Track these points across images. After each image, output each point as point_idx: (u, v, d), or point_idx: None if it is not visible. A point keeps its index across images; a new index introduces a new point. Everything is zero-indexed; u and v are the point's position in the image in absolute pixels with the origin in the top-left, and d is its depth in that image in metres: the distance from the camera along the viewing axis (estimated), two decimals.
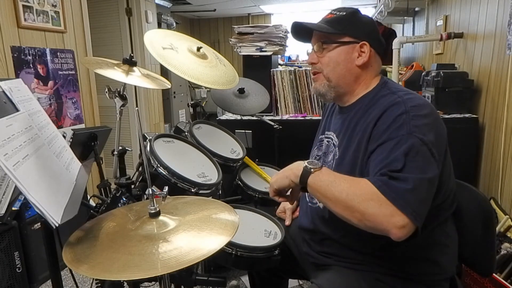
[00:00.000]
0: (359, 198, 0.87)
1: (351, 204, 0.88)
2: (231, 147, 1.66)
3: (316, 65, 1.15)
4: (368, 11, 5.60)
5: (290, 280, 1.58)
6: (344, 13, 1.13)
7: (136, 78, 1.30)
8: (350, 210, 0.89)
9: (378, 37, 1.14)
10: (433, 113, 0.99)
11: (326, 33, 1.11)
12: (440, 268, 1.04)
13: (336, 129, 1.17)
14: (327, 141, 1.20)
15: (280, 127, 2.05)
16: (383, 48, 1.15)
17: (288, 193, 1.18)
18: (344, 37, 1.10)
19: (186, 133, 1.56)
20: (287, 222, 1.38)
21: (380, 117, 0.99)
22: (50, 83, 2.54)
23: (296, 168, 1.00)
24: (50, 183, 0.86)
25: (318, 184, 0.95)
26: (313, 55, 1.15)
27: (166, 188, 0.95)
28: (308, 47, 1.22)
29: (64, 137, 1.17)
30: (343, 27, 1.10)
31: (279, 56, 3.43)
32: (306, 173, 0.97)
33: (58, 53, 2.60)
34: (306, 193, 1.24)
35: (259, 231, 1.27)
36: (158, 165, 1.22)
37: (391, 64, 2.74)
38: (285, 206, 1.44)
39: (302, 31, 1.18)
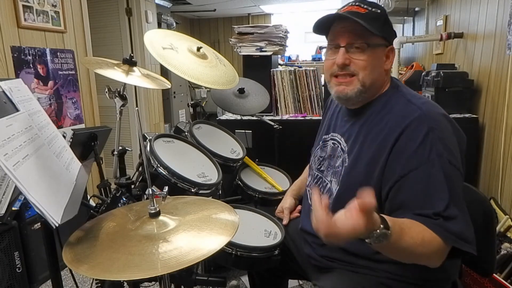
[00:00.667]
0: (427, 252, 0.85)
1: (419, 259, 0.88)
2: (231, 147, 1.66)
3: (349, 67, 1.02)
4: None
5: (290, 280, 1.58)
6: (379, 11, 1.02)
7: (136, 78, 1.30)
8: (415, 260, 0.89)
9: None
10: (452, 122, 0.98)
11: (368, 32, 0.99)
12: (445, 273, 1.03)
13: (344, 132, 1.12)
14: (333, 143, 1.15)
15: (280, 127, 2.05)
16: None
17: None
18: (380, 38, 1.02)
19: (186, 133, 1.56)
20: (285, 222, 1.36)
21: (402, 133, 0.94)
22: (50, 83, 2.54)
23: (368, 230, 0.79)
24: (50, 183, 0.86)
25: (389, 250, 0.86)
26: (346, 56, 1.01)
27: (166, 188, 0.95)
28: (318, 42, 1.15)
29: (64, 137, 1.17)
30: (380, 27, 1.00)
31: (279, 56, 3.43)
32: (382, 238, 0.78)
33: (58, 53, 2.60)
34: (308, 195, 1.23)
35: (259, 231, 1.27)
36: (158, 165, 1.23)
37: None
38: (283, 206, 1.43)
39: (324, 24, 1.06)
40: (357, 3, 1.03)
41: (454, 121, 0.99)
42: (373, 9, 1.02)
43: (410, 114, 0.96)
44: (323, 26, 1.06)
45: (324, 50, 1.12)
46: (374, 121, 1.03)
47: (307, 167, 1.46)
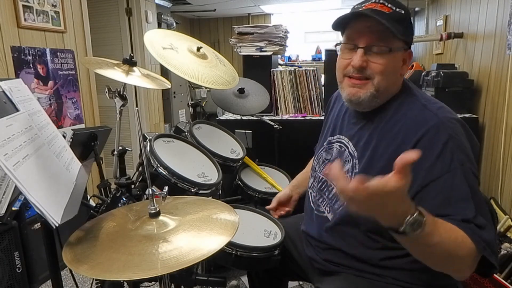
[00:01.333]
0: (460, 253, 0.79)
1: (451, 262, 0.82)
2: (231, 147, 1.66)
3: (365, 70, 0.96)
4: None
5: (290, 281, 1.58)
6: (403, 12, 0.95)
7: (136, 78, 1.30)
8: (447, 263, 0.82)
9: None
10: (466, 127, 0.95)
11: (391, 35, 0.92)
12: (451, 279, 0.99)
13: (352, 136, 1.06)
14: (339, 146, 1.10)
15: (280, 127, 2.05)
16: None
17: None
18: (401, 42, 0.95)
19: (186, 133, 1.56)
20: (271, 208, 1.36)
21: (419, 141, 0.90)
22: (50, 83, 2.54)
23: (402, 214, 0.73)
24: (50, 183, 0.86)
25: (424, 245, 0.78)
26: (364, 58, 0.95)
27: (166, 188, 0.95)
28: (328, 38, 1.07)
29: (64, 137, 1.17)
30: (403, 30, 0.93)
31: (279, 56, 3.43)
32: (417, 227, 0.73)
33: (58, 53, 2.60)
34: (311, 198, 1.20)
35: (259, 231, 1.27)
36: (158, 165, 1.22)
37: None
38: (276, 199, 1.41)
39: (344, 21, 0.98)
40: (381, 1, 0.94)
41: (467, 127, 0.96)
42: (398, 9, 0.94)
43: (426, 121, 0.92)
44: (342, 22, 0.99)
45: (338, 47, 1.03)
46: (386, 127, 0.98)
47: (311, 161, 1.41)
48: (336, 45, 1.04)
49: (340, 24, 1.00)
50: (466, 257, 0.80)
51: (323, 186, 1.14)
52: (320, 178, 1.17)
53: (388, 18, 0.91)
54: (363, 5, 0.97)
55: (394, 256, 0.98)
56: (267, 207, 1.43)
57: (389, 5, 0.94)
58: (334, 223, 1.06)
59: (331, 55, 2.37)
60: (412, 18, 3.83)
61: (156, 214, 0.88)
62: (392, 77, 0.98)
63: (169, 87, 1.47)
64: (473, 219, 0.82)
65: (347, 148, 1.07)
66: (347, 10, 0.99)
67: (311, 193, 1.21)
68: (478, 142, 0.97)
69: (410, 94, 1.01)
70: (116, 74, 1.25)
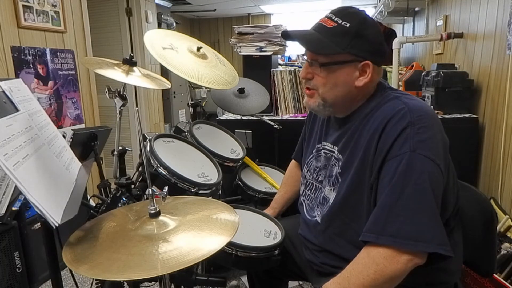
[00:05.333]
0: (392, 274, 0.86)
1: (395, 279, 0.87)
2: (231, 147, 1.66)
3: (311, 81, 1.03)
4: (368, 11, 5.58)
5: (290, 281, 1.58)
6: (349, 25, 0.96)
7: (136, 78, 1.30)
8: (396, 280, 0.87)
9: (383, 49, 1.01)
10: (438, 122, 0.95)
11: (329, 50, 0.96)
12: (449, 276, 1.02)
13: (335, 141, 1.09)
14: (325, 152, 1.13)
15: (280, 127, 2.05)
16: (387, 55, 1.09)
17: None
18: (346, 55, 0.97)
19: (186, 133, 1.56)
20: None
21: (384, 128, 0.92)
22: (50, 83, 2.54)
23: None
24: (50, 183, 0.86)
25: None
26: (308, 69, 1.02)
27: (166, 188, 0.95)
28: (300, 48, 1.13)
29: (64, 137, 1.17)
30: (346, 43, 0.95)
31: (279, 56, 3.42)
32: None
33: (58, 53, 2.60)
34: (304, 205, 1.21)
35: (259, 231, 1.27)
36: (158, 165, 1.22)
37: (391, 64, 2.74)
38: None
39: (291, 38, 1.05)
40: (329, 15, 0.99)
41: (439, 121, 0.96)
42: (343, 23, 0.96)
43: (394, 108, 0.94)
44: (293, 39, 1.06)
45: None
46: (360, 125, 1.01)
47: (289, 169, 1.50)
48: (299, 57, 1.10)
49: (292, 39, 1.06)
50: (403, 267, 0.85)
51: (318, 193, 1.15)
52: (312, 184, 1.18)
53: (328, 34, 0.96)
54: (320, 19, 1.02)
55: None
56: None
57: (335, 19, 0.97)
58: (324, 226, 1.08)
59: None
60: (412, 18, 3.84)
61: (156, 214, 0.88)
62: (339, 89, 1.00)
63: (169, 87, 1.47)
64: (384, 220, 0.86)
65: (333, 153, 1.09)
66: None
67: (304, 200, 1.23)
68: (448, 140, 0.96)
69: (383, 93, 1.03)
70: (116, 74, 1.25)
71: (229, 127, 1.81)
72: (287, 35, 1.05)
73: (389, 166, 0.89)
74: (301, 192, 1.25)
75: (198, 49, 1.53)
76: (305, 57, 1.06)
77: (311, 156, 1.21)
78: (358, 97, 1.03)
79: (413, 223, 0.84)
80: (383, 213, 0.88)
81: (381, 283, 0.85)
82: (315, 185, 1.17)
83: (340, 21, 0.97)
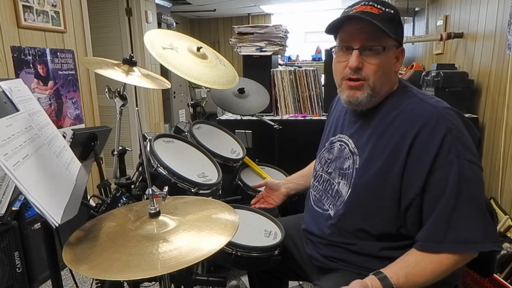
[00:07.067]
0: (443, 273, 0.92)
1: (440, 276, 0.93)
2: (231, 147, 1.66)
3: (361, 71, 0.99)
4: None
5: (290, 281, 1.58)
6: (393, 11, 0.98)
7: (136, 78, 1.30)
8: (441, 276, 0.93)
9: None
10: (465, 119, 0.97)
11: (384, 35, 0.95)
12: (449, 276, 1.00)
13: (352, 134, 1.09)
14: (340, 144, 1.13)
15: (280, 127, 2.05)
16: None
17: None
18: (393, 40, 0.99)
19: (186, 133, 1.56)
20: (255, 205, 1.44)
21: (418, 134, 0.93)
22: (50, 83, 2.54)
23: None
24: (50, 183, 0.86)
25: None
26: (359, 58, 0.98)
27: (166, 188, 0.95)
28: (316, 41, 1.12)
29: (64, 137, 1.17)
30: (394, 28, 0.97)
31: (279, 56, 3.43)
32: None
33: (58, 53, 2.60)
34: (311, 197, 1.21)
35: (259, 231, 1.27)
36: (158, 165, 1.22)
37: None
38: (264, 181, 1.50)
39: (337, 25, 1.01)
40: (370, 3, 0.98)
41: (466, 117, 0.98)
42: (387, 10, 0.98)
43: (424, 113, 0.95)
44: (335, 26, 1.02)
45: (333, 50, 1.08)
46: (385, 122, 1.01)
47: (311, 164, 1.45)
48: (331, 48, 1.08)
49: (333, 28, 1.03)
50: (453, 266, 0.91)
51: (327, 184, 1.15)
52: (323, 177, 1.18)
53: (379, 19, 0.95)
54: (353, 8, 1.01)
55: (394, 247, 1.00)
56: (253, 185, 1.54)
57: (378, 6, 0.98)
58: (337, 219, 1.08)
59: (331, 55, 2.36)
60: (412, 18, 3.84)
61: (156, 214, 0.88)
62: (386, 75, 1.01)
63: (169, 87, 1.47)
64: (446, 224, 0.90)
65: (347, 145, 1.10)
66: None
67: (312, 192, 1.23)
68: (478, 132, 0.99)
69: (407, 90, 1.04)
70: (116, 74, 1.25)
71: (229, 127, 1.81)
72: (342, 21, 0.99)
73: (439, 176, 0.91)
74: (311, 184, 1.25)
75: (198, 49, 1.53)
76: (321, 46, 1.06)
77: (323, 149, 1.22)
78: (390, 83, 1.04)
79: (470, 227, 0.89)
80: (441, 222, 0.91)
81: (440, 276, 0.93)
82: (324, 176, 1.17)
83: (383, 8, 0.98)
